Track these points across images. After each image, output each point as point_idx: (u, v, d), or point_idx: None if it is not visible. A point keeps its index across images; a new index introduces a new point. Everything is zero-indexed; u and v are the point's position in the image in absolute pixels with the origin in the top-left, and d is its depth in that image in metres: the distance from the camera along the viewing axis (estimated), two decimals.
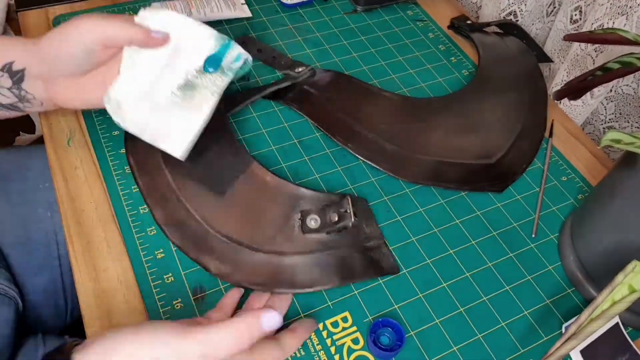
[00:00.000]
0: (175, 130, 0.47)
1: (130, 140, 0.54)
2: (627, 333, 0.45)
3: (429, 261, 0.51)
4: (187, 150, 0.47)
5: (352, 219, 0.48)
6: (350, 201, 0.49)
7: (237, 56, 0.49)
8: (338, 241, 0.49)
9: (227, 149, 0.53)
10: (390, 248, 0.51)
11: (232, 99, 0.60)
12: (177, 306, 0.46)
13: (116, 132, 0.57)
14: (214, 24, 0.70)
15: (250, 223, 0.50)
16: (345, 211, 0.49)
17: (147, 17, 0.49)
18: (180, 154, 0.47)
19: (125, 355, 0.34)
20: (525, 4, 0.71)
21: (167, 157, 0.50)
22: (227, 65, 0.48)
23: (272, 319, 0.38)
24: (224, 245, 0.48)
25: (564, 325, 0.48)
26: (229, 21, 0.71)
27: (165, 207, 0.50)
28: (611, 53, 0.59)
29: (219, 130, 0.53)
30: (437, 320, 0.48)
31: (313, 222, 0.49)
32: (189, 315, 0.45)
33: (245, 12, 0.72)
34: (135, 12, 0.70)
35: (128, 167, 0.54)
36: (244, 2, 0.73)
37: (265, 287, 0.46)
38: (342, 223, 0.48)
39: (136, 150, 0.54)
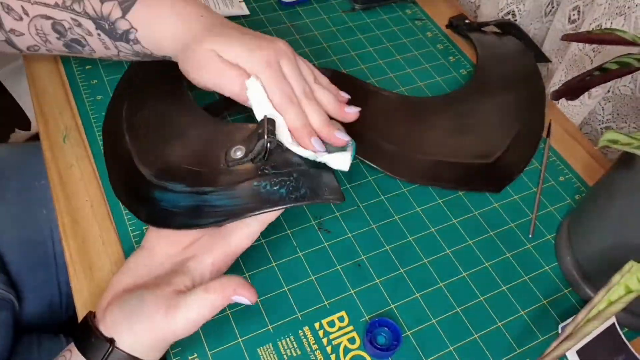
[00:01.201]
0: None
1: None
2: (623, 333, 0.45)
3: (425, 261, 0.51)
4: (253, 103, 0.47)
5: (266, 137, 0.44)
6: (267, 120, 0.45)
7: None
8: (264, 169, 0.45)
9: (179, 104, 0.52)
10: (335, 174, 0.46)
11: (230, 99, 0.60)
12: None
13: None
14: None
15: (189, 165, 0.47)
16: (261, 131, 0.44)
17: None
18: (259, 116, 0.47)
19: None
20: (524, 4, 0.71)
21: (129, 124, 0.51)
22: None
23: (242, 301, 0.40)
24: (158, 193, 0.46)
25: (560, 326, 0.48)
26: (227, 18, 0.71)
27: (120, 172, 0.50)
28: (609, 53, 0.59)
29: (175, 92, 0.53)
30: (433, 320, 0.48)
31: (238, 152, 0.46)
32: None
33: (243, 10, 0.71)
34: None
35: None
36: None
37: (194, 220, 0.44)
38: (259, 144, 0.44)
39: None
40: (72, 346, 0.38)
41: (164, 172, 0.47)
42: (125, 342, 0.37)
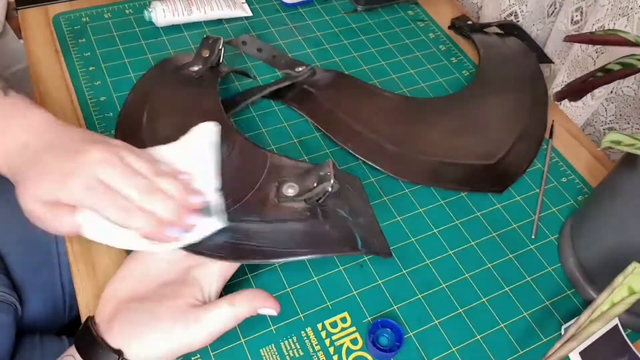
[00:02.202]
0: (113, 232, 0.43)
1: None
2: (626, 335, 0.45)
3: (428, 262, 0.51)
4: (94, 238, 0.44)
5: (331, 182, 0.44)
6: (332, 165, 0.46)
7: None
8: (316, 211, 0.46)
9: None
10: (381, 229, 0.49)
11: (232, 99, 0.60)
12: None
13: None
14: (214, 22, 0.70)
15: (228, 192, 0.47)
16: (326, 174, 0.45)
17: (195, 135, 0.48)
18: (89, 236, 0.44)
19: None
20: (526, 5, 0.71)
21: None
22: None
23: (268, 313, 0.41)
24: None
25: (563, 327, 0.48)
26: (229, 20, 0.71)
27: None
28: (612, 54, 0.59)
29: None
30: (436, 321, 0.47)
31: (290, 189, 0.46)
32: None
33: (246, 11, 0.71)
34: (135, 10, 0.70)
35: None
36: (244, 1, 0.73)
37: (230, 256, 0.43)
38: (320, 186, 0.45)
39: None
40: (74, 351, 0.38)
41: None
42: (133, 354, 0.37)
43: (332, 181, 0.44)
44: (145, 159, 0.43)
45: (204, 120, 0.49)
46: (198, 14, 0.68)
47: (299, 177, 0.47)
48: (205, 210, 0.44)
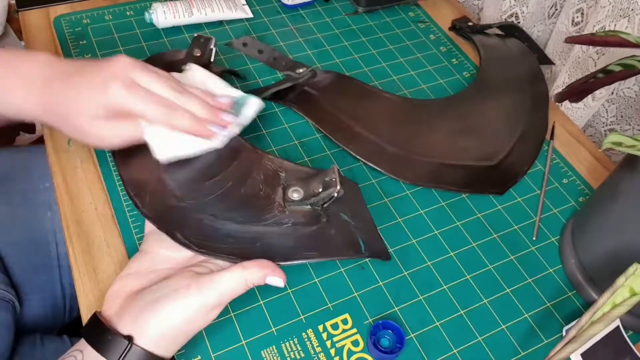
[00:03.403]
0: (175, 141, 0.48)
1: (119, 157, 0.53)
2: (628, 336, 0.45)
3: (429, 263, 0.51)
4: (167, 159, 0.48)
5: (337, 187, 0.46)
6: (337, 170, 0.47)
7: (252, 107, 0.52)
8: (320, 215, 0.47)
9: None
10: (380, 233, 0.49)
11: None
12: None
13: None
14: (215, 24, 0.70)
15: (234, 198, 0.48)
16: (331, 180, 0.46)
17: (190, 70, 0.54)
18: (162, 158, 0.48)
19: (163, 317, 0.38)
20: (527, 6, 0.71)
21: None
22: (244, 114, 0.52)
23: (276, 283, 0.41)
24: (204, 220, 0.46)
25: (564, 328, 0.48)
26: (230, 22, 0.71)
27: (149, 193, 0.49)
28: (613, 55, 0.59)
29: None
30: (437, 323, 0.47)
31: (295, 194, 0.47)
32: None
33: (247, 13, 0.72)
34: (136, 12, 0.70)
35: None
36: (245, 2, 0.73)
37: (238, 258, 0.44)
38: (326, 192, 0.46)
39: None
40: (83, 345, 0.38)
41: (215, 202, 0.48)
42: (147, 335, 0.37)
43: (338, 187, 0.46)
44: (163, 72, 0.47)
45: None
46: (199, 16, 0.68)
47: (303, 182, 0.48)
48: (235, 107, 0.50)
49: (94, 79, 0.44)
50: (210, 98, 0.49)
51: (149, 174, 0.49)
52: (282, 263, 0.44)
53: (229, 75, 0.64)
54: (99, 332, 0.38)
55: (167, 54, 0.63)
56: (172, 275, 0.40)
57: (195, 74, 0.54)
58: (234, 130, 0.50)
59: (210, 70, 0.58)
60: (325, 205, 0.48)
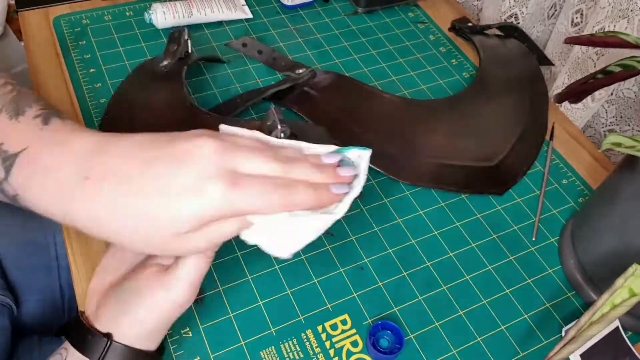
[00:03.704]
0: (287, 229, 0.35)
1: None
2: (627, 337, 0.45)
3: (428, 264, 0.51)
4: (296, 251, 0.36)
5: (279, 127, 0.43)
6: (274, 111, 0.44)
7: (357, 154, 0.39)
8: None
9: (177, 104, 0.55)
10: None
11: (232, 101, 0.60)
12: None
13: None
14: (215, 25, 0.70)
15: None
16: (273, 122, 0.43)
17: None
18: (288, 255, 0.36)
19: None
20: (527, 7, 0.71)
21: None
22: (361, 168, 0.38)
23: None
24: None
25: (563, 329, 0.48)
26: (230, 22, 0.71)
27: None
28: (612, 56, 0.59)
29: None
30: (436, 323, 0.47)
31: None
32: (188, 318, 0.45)
33: (246, 13, 0.72)
34: (136, 13, 0.70)
35: None
36: (244, 3, 0.73)
37: None
38: (272, 134, 0.43)
39: None
40: (68, 344, 0.38)
41: None
42: (124, 333, 0.37)
43: (279, 127, 0.42)
44: (248, 138, 0.36)
45: (172, 112, 0.53)
46: (198, 16, 0.68)
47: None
48: (342, 156, 0.38)
49: (173, 179, 0.32)
50: (313, 158, 0.37)
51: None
52: None
53: (210, 63, 0.65)
54: (80, 331, 0.38)
55: (151, 61, 0.63)
56: (137, 270, 0.38)
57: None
58: (356, 190, 0.37)
59: (189, 61, 0.59)
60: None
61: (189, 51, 0.61)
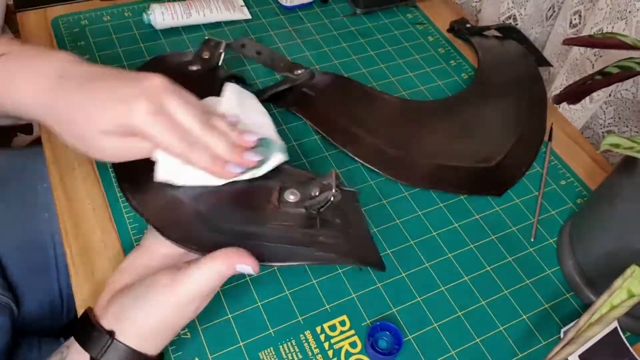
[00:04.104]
0: (183, 170, 0.44)
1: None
2: (625, 338, 0.45)
3: (427, 265, 0.51)
4: (165, 180, 0.45)
5: (333, 191, 0.45)
6: (335, 175, 0.46)
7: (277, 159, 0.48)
8: (315, 219, 0.47)
9: None
10: (374, 242, 0.49)
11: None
12: None
13: None
14: (214, 25, 0.70)
15: (228, 196, 0.47)
16: (328, 184, 0.46)
17: (228, 91, 0.50)
18: (160, 179, 0.45)
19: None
20: (525, 8, 0.72)
21: None
22: (264, 166, 0.47)
23: (246, 270, 0.39)
24: (195, 216, 0.46)
25: (562, 330, 0.48)
26: (228, 23, 0.71)
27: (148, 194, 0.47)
28: (610, 57, 0.59)
29: None
30: (435, 324, 0.47)
31: (292, 196, 0.47)
32: None
33: (245, 14, 0.72)
34: (134, 13, 0.70)
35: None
36: (243, 4, 0.73)
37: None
38: (322, 195, 0.45)
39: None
40: (71, 342, 0.39)
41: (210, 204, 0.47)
42: (125, 331, 0.37)
43: (333, 190, 0.45)
44: (195, 99, 0.43)
45: None
46: (197, 17, 0.68)
47: (301, 185, 0.48)
48: (264, 146, 0.46)
49: (118, 90, 0.40)
50: (237, 134, 0.44)
51: (142, 168, 0.47)
52: (272, 264, 0.44)
53: (233, 80, 0.64)
54: (86, 327, 0.38)
55: (172, 55, 0.62)
56: (156, 272, 0.40)
57: (233, 96, 0.50)
58: (245, 175, 0.46)
59: (217, 75, 0.58)
60: (321, 209, 0.47)
61: (219, 64, 0.60)
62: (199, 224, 0.45)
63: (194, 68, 0.59)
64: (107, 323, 0.38)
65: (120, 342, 0.37)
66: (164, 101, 0.40)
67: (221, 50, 0.59)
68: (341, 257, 0.46)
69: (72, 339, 0.39)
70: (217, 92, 0.55)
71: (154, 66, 0.60)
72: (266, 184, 0.48)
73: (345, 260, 0.46)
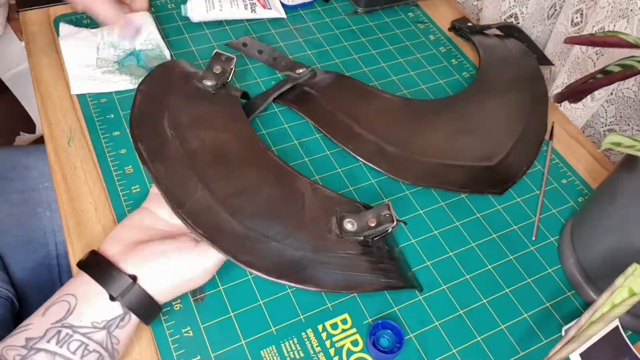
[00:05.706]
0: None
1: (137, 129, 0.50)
2: (627, 336, 0.45)
3: (428, 263, 0.51)
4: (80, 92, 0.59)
5: (394, 223, 0.47)
6: (391, 206, 0.48)
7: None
8: (371, 247, 0.49)
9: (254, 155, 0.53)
10: (410, 265, 0.51)
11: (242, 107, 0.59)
12: (177, 307, 0.46)
13: (117, 133, 0.57)
14: (215, 24, 0.70)
15: (274, 216, 0.48)
16: (386, 215, 0.47)
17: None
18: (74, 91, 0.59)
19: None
20: (526, 7, 0.72)
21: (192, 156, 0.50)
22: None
23: None
24: (243, 232, 0.46)
25: (563, 328, 0.48)
26: (230, 22, 0.71)
27: (186, 195, 0.47)
28: (612, 56, 0.59)
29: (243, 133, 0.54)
30: (436, 323, 0.48)
31: (349, 225, 0.48)
32: (189, 317, 0.45)
33: (280, 13, 0.71)
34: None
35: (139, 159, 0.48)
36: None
37: (281, 277, 0.44)
38: (382, 226, 0.47)
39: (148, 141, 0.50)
40: (73, 289, 0.40)
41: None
42: (148, 282, 0.41)
43: (395, 222, 0.47)
44: None
45: (240, 141, 0.53)
46: (230, 11, 0.68)
47: (356, 215, 0.49)
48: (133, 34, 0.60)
49: None
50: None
51: (192, 189, 0.47)
52: (330, 291, 0.46)
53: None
54: (103, 268, 0.40)
55: (178, 64, 0.58)
56: (175, 235, 0.44)
57: (148, 18, 0.64)
58: (125, 44, 0.62)
59: (227, 90, 0.57)
60: (375, 238, 0.49)
61: (229, 80, 0.58)
62: (253, 242, 0.46)
63: (209, 84, 0.56)
64: (128, 268, 0.41)
65: (141, 287, 0.40)
66: None
67: (232, 66, 0.57)
68: (401, 281, 0.48)
69: (71, 285, 0.40)
70: (228, 109, 0.55)
71: (162, 75, 0.56)
72: (324, 213, 0.49)
73: (405, 284, 0.48)
